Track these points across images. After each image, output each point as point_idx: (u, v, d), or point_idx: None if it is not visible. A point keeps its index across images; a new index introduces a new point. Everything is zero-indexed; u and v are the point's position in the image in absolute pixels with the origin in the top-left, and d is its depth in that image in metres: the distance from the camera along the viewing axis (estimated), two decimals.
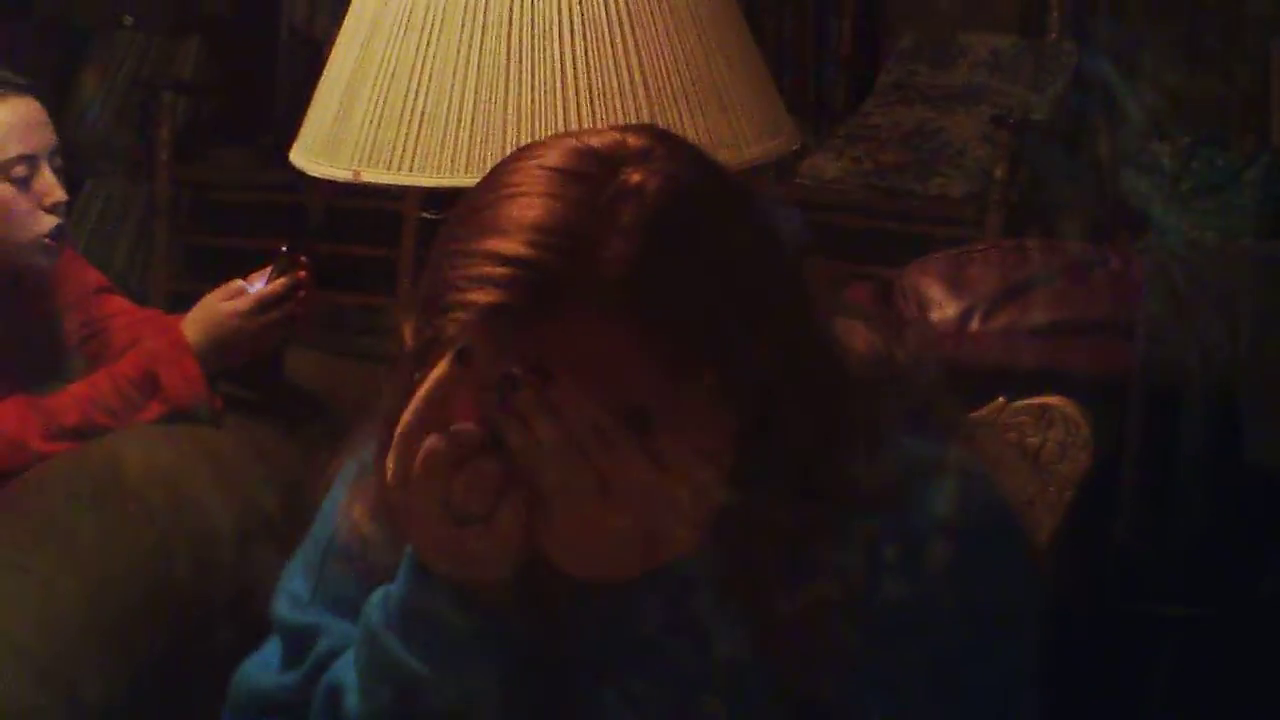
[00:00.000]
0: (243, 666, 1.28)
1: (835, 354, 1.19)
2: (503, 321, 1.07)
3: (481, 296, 1.07)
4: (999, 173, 4.06)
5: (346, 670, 1.17)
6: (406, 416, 1.09)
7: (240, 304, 2.44)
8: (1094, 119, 4.23)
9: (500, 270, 1.06)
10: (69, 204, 2.57)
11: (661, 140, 1.13)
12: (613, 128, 1.14)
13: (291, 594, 1.26)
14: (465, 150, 1.74)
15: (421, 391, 1.09)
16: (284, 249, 2.47)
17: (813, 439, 1.13)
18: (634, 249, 1.07)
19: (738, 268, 1.11)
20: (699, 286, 1.09)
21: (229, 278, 2.50)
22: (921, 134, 4.36)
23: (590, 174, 1.09)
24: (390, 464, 1.09)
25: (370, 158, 1.79)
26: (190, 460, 2.34)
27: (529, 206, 1.08)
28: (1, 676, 1.94)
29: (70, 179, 2.59)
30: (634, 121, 1.72)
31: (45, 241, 2.49)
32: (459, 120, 1.75)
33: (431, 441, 1.08)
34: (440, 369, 1.08)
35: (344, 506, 1.23)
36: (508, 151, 1.71)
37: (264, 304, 2.44)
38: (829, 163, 4.33)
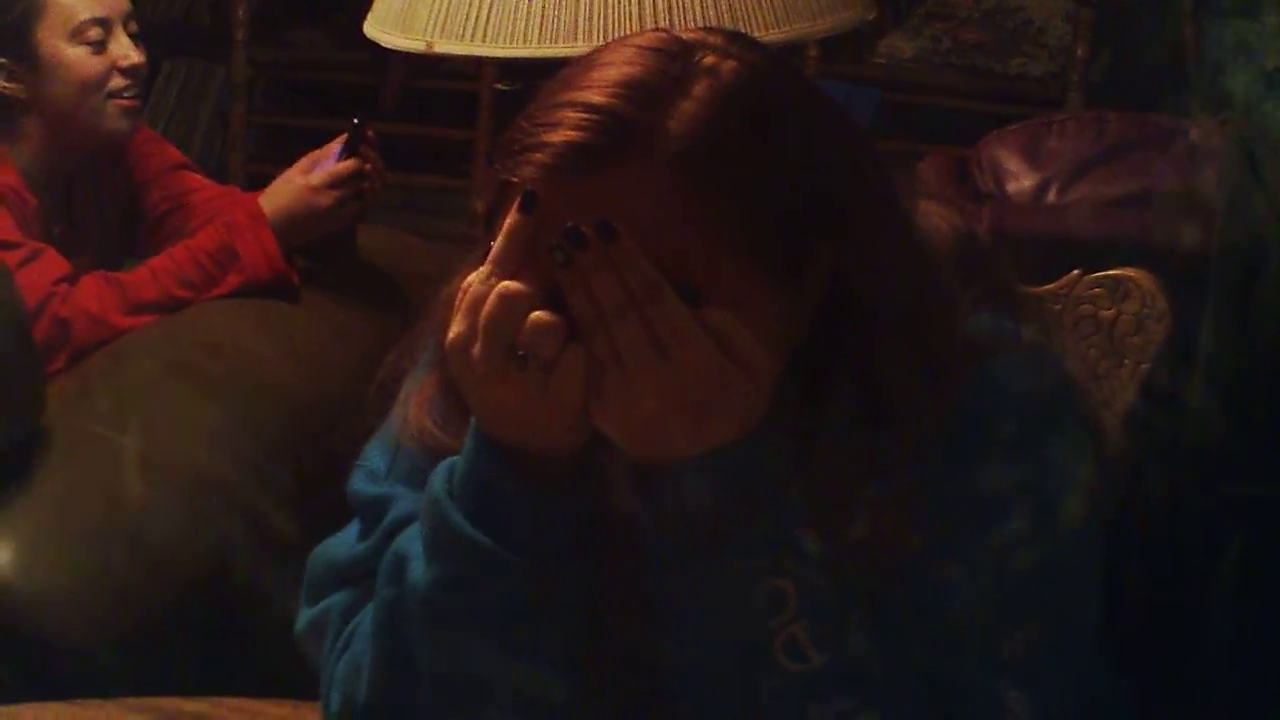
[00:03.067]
0: (320, 545, 1.29)
1: (913, 238, 1.19)
2: (573, 163, 1.08)
3: (554, 136, 1.09)
4: (1080, 52, 4.01)
5: (413, 540, 1.18)
6: (484, 265, 1.10)
7: (313, 179, 2.45)
8: None
9: (576, 115, 1.09)
10: (145, 80, 2.58)
11: (740, 39, 1.17)
12: (702, 28, 1.18)
13: (369, 469, 1.27)
14: (538, 20, 1.74)
15: (497, 242, 1.09)
16: (354, 122, 2.47)
17: (889, 323, 1.14)
18: (702, 113, 1.10)
19: (805, 154, 1.13)
20: (761, 167, 1.10)
21: (306, 158, 2.50)
22: (1002, 12, 4.31)
23: (672, 51, 1.13)
24: (459, 317, 1.10)
25: (443, 28, 1.78)
26: (271, 335, 2.36)
27: (611, 69, 1.12)
28: (88, 545, 1.97)
29: (149, 60, 2.60)
30: None
31: (122, 104, 2.50)
32: None
33: (504, 286, 1.08)
34: (512, 218, 1.09)
35: (417, 382, 1.24)
36: (580, 21, 1.74)
37: (336, 180, 2.45)
38: (906, 42, 4.29)
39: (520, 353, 1.08)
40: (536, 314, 1.08)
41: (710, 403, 1.08)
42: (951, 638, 1.14)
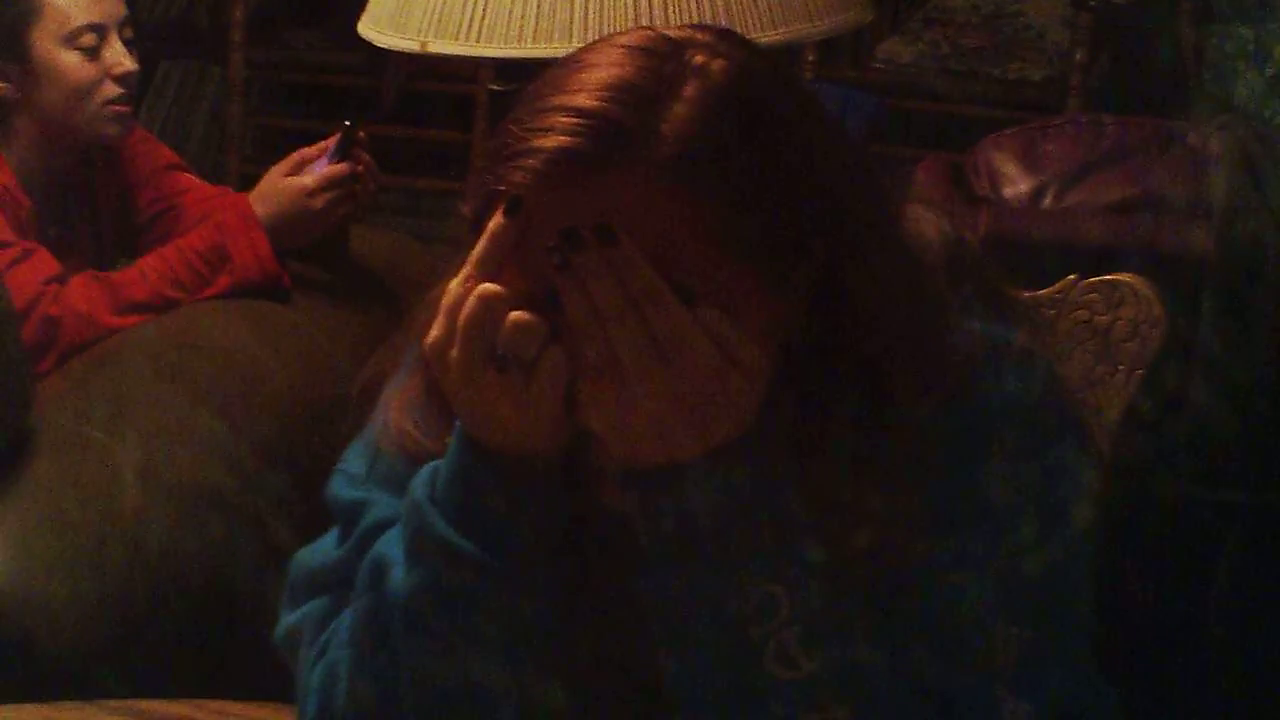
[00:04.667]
0: (300, 551, 1.28)
1: (902, 241, 1.19)
2: (564, 169, 1.07)
3: (547, 142, 1.08)
4: (1079, 57, 4.00)
5: (392, 545, 1.17)
6: (464, 268, 1.09)
7: (306, 181, 2.44)
8: (1178, 2, 4.15)
9: (566, 120, 1.08)
10: (141, 81, 2.57)
11: (729, 36, 1.16)
12: (689, 25, 1.18)
13: (347, 473, 1.26)
14: (533, 20, 1.73)
15: (479, 244, 1.08)
16: (346, 124, 2.47)
17: (874, 326, 1.13)
18: (694, 115, 1.09)
19: (796, 153, 1.12)
20: (751, 167, 1.10)
21: None
22: (1000, 16, 4.30)
23: (660, 51, 1.12)
24: (438, 320, 1.09)
25: (438, 28, 1.77)
26: (262, 336, 2.35)
27: (599, 71, 1.10)
28: (76, 546, 1.96)
29: (145, 61, 2.59)
30: None
31: (115, 109, 2.50)
32: None
33: (484, 288, 1.07)
34: (495, 221, 1.08)
35: (399, 386, 1.22)
36: (576, 20, 1.73)
37: (328, 183, 2.44)
38: (905, 46, 4.28)
39: (500, 353, 1.07)
40: (516, 314, 1.07)
41: (708, 404, 1.07)
42: (947, 644, 1.13)
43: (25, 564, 1.90)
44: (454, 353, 1.08)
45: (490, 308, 1.07)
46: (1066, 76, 4.03)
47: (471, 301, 1.07)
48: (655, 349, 1.05)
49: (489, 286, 1.08)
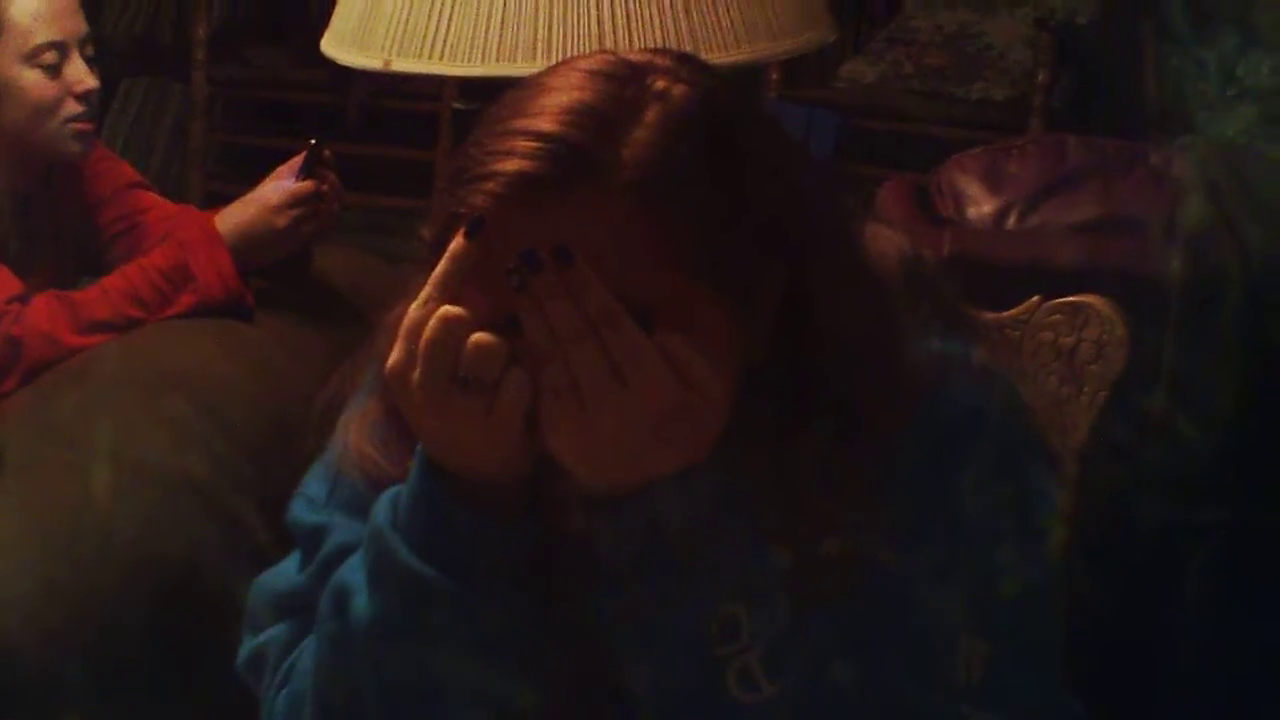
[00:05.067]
0: (261, 576, 1.28)
1: (864, 261, 1.19)
2: (525, 192, 1.07)
3: (507, 165, 1.08)
4: (1041, 77, 4.02)
5: (354, 571, 1.16)
6: (424, 290, 1.08)
7: (270, 199, 2.43)
8: (1138, 22, 4.17)
9: (527, 144, 1.08)
10: (103, 98, 2.56)
11: (690, 61, 1.17)
12: (649, 49, 1.19)
13: (308, 497, 1.26)
14: (496, 38, 1.73)
15: (439, 266, 1.08)
16: (311, 142, 2.46)
17: (838, 345, 1.13)
18: (655, 140, 1.09)
19: (757, 176, 1.12)
20: (716, 190, 1.10)
21: (265, 177, 2.49)
22: (963, 37, 4.32)
23: (621, 76, 1.12)
24: (398, 343, 1.08)
25: (401, 46, 1.77)
26: (225, 355, 2.34)
27: (560, 95, 1.10)
28: (39, 566, 1.95)
29: (106, 79, 2.57)
30: (668, 9, 1.72)
31: (76, 127, 2.48)
32: (490, 7, 1.73)
33: (445, 310, 1.07)
34: (456, 243, 1.07)
35: (359, 408, 1.22)
36: (539, 39, 1.73)
37: (293, 200, 2.43)
38: (868, 66, 4.30)
39: (462, 375, 1.06)
40: (478, 335, 1.07)
41: (667, 427, 1.06)
42: (912, 661, 1.13)
43: None
44: (415, 376, 1.08)
45: (451, 330, 1.07)
46: (1029, 96, 4.05)
47: (433, 324, 1.07)
48: (612, 372, 1.05)
49: (450, 309, 1.07)
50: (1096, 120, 3.90)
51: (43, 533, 1.96)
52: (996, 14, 4.32)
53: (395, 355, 1.09)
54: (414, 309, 1.08)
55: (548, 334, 1.05)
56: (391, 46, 1.77)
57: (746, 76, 1.87)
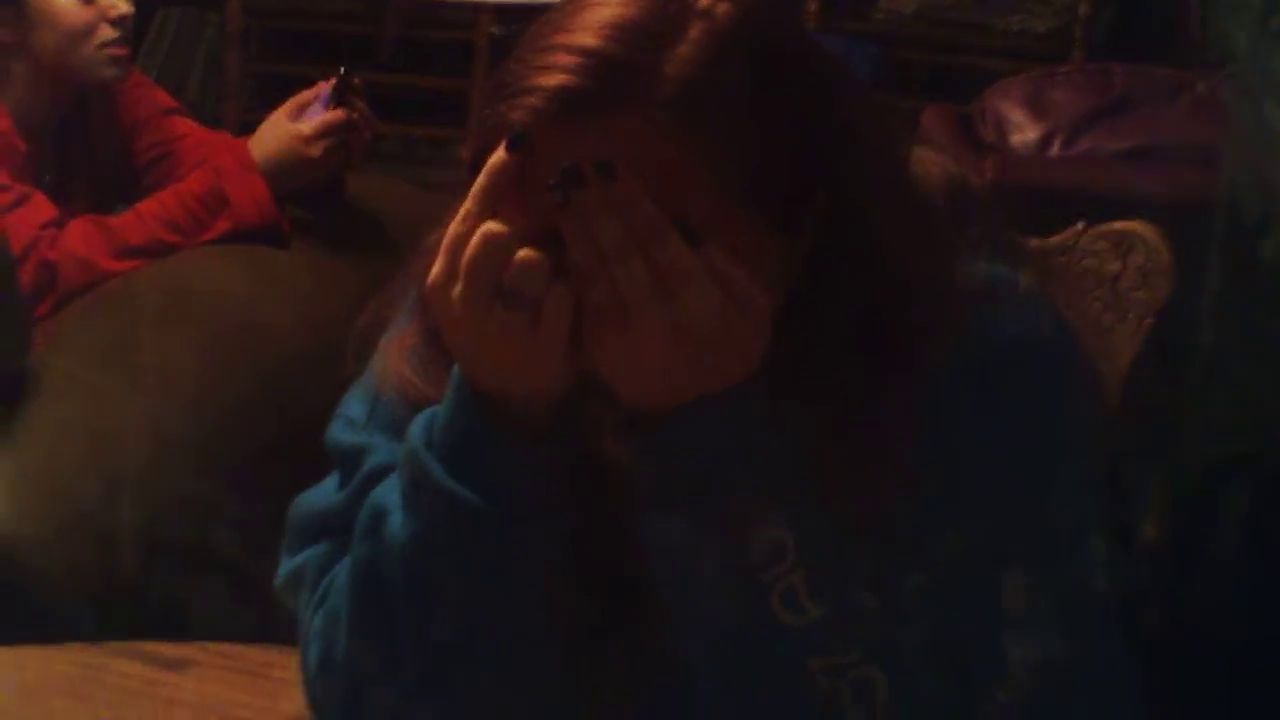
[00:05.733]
0: (300, 495, 1.26)
1: (909, 184, 1.18)
2: (567, 107, 1.05)
3: (549, 80, 1.05)
4: (1083, 9, 3.98)
5: (391, 491, 1.15)
6: (464, 206, 1.07)
7: (302, 129, 2.42)
8: None
9: (569, 58, 1.06)
10: (137, 28, 2.55)
11: None
12: None
13: (347, 418, 1.24)
14: None
15: (479, 181, 1.07)
16: (341, 71, 2.45)
17: (882, 269, 1.11)
18: (699, 56, 1.07)
19: (801, 98, 1.10)
20: (756, 110, 1.08)
21: None
22: None
23: None
24: (440, 258, 1.07)
25: None
26: (260, 282, 2.34)
27: (603, 10, 1.08)
28: (71, 489, 1.95)
29: (141, 8, 2.57)
30: None
31: (111, 52, 2.48)
32: None
33: (488, 226, 1.06)
34: (496, 157, 1.06)
35: (398, 331, 1.21)
36: None
37: (325, 129, 2.42)
38: None
39: (506, 291, 1.05)
40: (523, 251, 1.05)
41: (712, 345, 1.05)
42: (955, 589, 1.12)
43: (20, 506, 1.89)
44: (456, 291, 1.06)
45: (495, 246, 1.05)
46: (1070, 28, 4.01)
47: (476, 239, 1.05)
48: (658, 288, 1.03)
49: (493, 225, 1.05)
50: (1138, 53, 3.85)
51: (79, 458, 1.97)
52: None
53: (436, 271, 1.07)
54: (455, 225, 1.07)
55: (591, 250, 1.04)
56: None
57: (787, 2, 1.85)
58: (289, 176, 2.43)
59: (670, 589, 1.11)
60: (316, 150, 2.42)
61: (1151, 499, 1.57)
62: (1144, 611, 1.31)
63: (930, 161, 1.22)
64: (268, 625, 1.28)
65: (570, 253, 1.04)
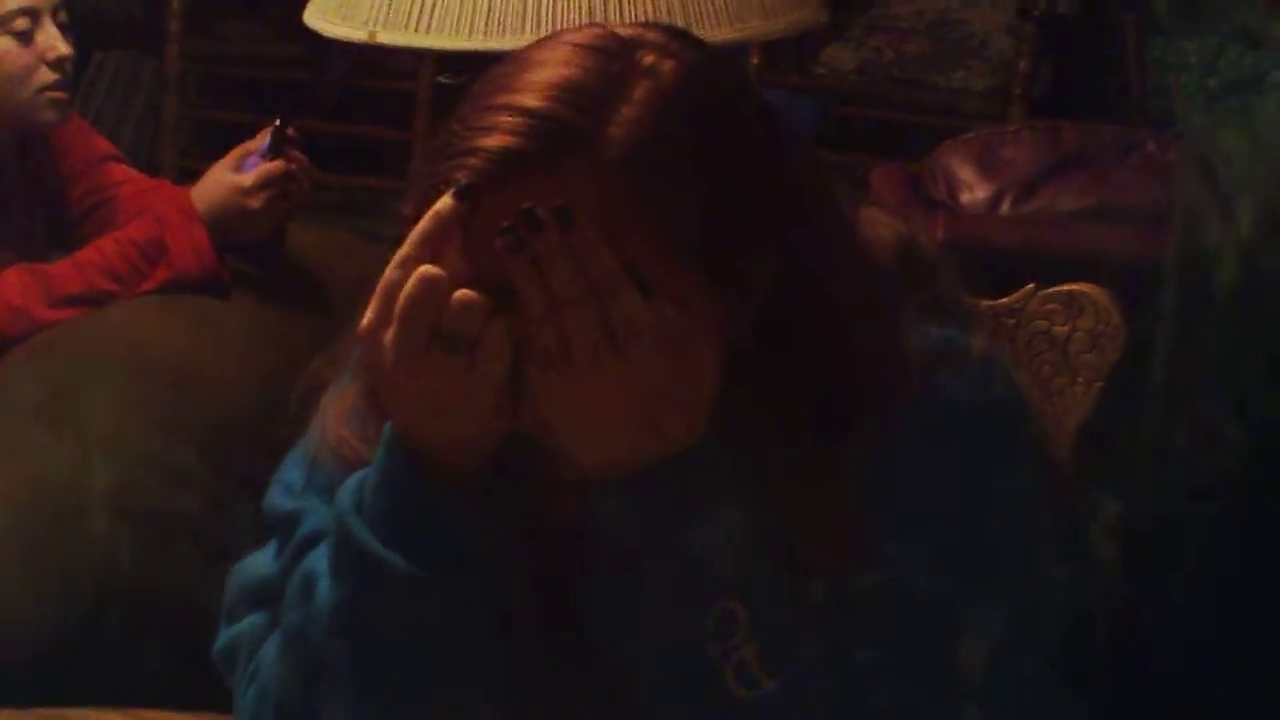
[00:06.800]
0: (238, 564, 1.25)
1: (856, 244, 1.17)
2: (509, 169, 1.05)
3: (490, 141, 1.05)
4: (1023, 66, 4.01)
5: (322, 559, 1.13)
6: (400, 252, 1.05)
7: (243, 180, 2.40)
8: (1120, 13, 4.16)
9: (511, 119, 1.06)
10: (77, 69, 2.52)
11: (680, 36, 1.14)
12: (639, 23, 1.19)
13: (285, 483, 1.23)
14: (485, 11, 1.70)
15: (418, 227, 1.05)
16: (276, 122, 2.43)
17: (829, 332, 1.11)
18: (643, 116, 1.07)
19: (745, 159, 1.10)
20: (702, 170, 1.08)
21: None
22: (944, 24, 4.30)
23: (610, 50, 1.09)
24: (372, 303, 1.06)
25: (386, 19, 1.74)
26: (200, 333, 2.31)
27: (546, 70, 1.08)
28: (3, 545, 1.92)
29: (79, 50, 2.54)
30: None
31: (50, 96, 2.45)
32: None
33: (425, 269, 1.04)
34: (440, 204, 1.05)
35: (338, 393, 1.19)
36: (529, 12, 1.70)
37: (265, 180, 2.40)
38: (849, 53, 4.27)
39: (443, 332, 1.04)
40: (461, 291, 1.04)
41: (658, 397, 1.04)
42: (907, 656, 1.10)
43: None
44: (389, 336, 1.05)
45: (432, 287, 1.04)
46: (1010, 86, 4.03)
47: (413, 282, 1.04)
48: (609, 338, 1.02)
49: (430, 268, 1.04)
50: (1077, 110, 3.89)
51: (14, 511, 1.93)
52: (978, 2, 4.30)
53: (369, 315, 1.06)
54: (390, 270, 1.06)
55: (542, 296, 1.02)
56: (377, 18, 1.75)
57: (731, 59, 1.86)
58: (230, 228, 2.41)
59: (621, 658, 1.09)
60: (257, 201, 2.40)
61: (1104, 550, 1.57)
62: (1100, 662, 1.30)
63: (880, 223, 1.21)
64: (214, 689, 1.24)
65: (518, 299, 1.03)
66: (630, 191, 1.05)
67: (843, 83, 4.26)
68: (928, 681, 1.11)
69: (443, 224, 1.05)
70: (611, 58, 1.09)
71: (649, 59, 1.09)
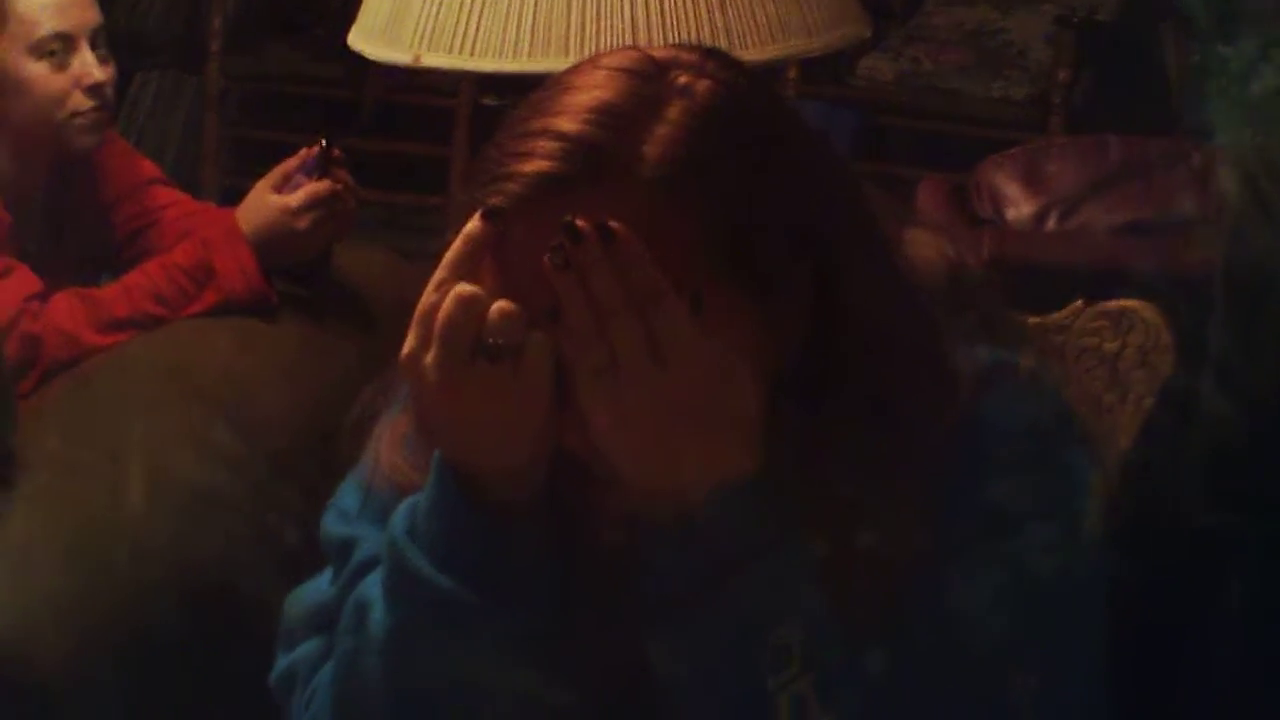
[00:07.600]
0: (295, 590, 1.25)
1: (895, 262, 1.17)
2: (546, 193, 1.05)
3: (528, 166, 1.06)
4: (1062, 75, 3.99)
5: (376, 585, 1.13)
6: (435, 275, 1.06)
7: (290, 202, 2.40)
8: (1159, 20, 4.14)
9: (549, 144, 1.07)
10: (117, 90, 2.53)
11: (715, 56, 1.15)
12: (675, 45, 1.17)
13: (340, 509, 1.23)
14: (528, 33, 1.70)
15: (452, 249, 1.06)
16: (321, 143, 2.43)
17: (875, 349, 1.11)
18: (678, 135, 1.08)
19: (781, 172, 1.10)
20: (738, 186, 1.08)
21: None
22: (983, 34, 4.29)
23: (645, 72, 1.10)
24: (411, 330, 1.06)
25: (431, 41, 1.75)
26: (249, 352, 2.32)
27: (582, 94, 1.09)
28: (53, 571, 1.92)
29: (120, 71, 2.55)
30: (702, 5, 1.72)
31: (84, 121, 2.45)
32: (522, 3, 1.71)
33: (461, 288, 1.05)
34: (471, 226, 1.06)
35: (390, 420, 1.19)
36: (571, 35, 1.70)
37: (312, 201, 2.40)
38: (887, 64, 4.26)
39: (485, 344, 1.04)
40: (499, 303, 1.04)
41: (704, 417, 1.04)
42: (959, 687, 1.10)
43: (22, 591, 1.86)
44: (430, 358, 1.05)
45: (469, 306, 1.05)
46: (1049, 95, 4.01)
47: (449, 302, 1.05)
48: (654, 354, 1.02)
49: (466, 287, 1.05)
50: (1116, 120, 3.87)
51: (65, 537, 1.94)
52: (1017, 11, 4.28)
53: (409, 342, 1.07)
54: (426, 295, 1.06)
55: (588, 310, 1.02)
56: (421, 41, 1.75)
57: (767, 75, 1.86)
58: (277, 249, 2.41)
59: (676, 694, 1.09)
60: (304, 222, 2.40)
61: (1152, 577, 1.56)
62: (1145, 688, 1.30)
63: (927, 244, 1.21)
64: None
65: (560, 320, 1.03)
66: (668, 208, 1.06)
67: (881, 93, 4.25)
68: (980, 714, 1.10)
69: (473, 246, 1.06)
70: (646, 80, 1.09)
71: (683, 79, 1.10)
